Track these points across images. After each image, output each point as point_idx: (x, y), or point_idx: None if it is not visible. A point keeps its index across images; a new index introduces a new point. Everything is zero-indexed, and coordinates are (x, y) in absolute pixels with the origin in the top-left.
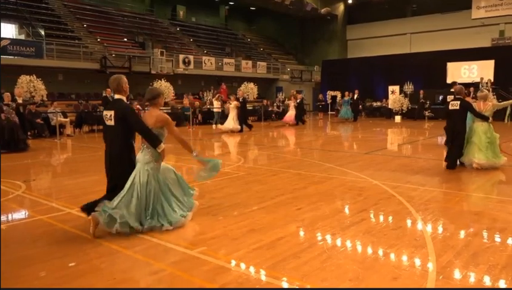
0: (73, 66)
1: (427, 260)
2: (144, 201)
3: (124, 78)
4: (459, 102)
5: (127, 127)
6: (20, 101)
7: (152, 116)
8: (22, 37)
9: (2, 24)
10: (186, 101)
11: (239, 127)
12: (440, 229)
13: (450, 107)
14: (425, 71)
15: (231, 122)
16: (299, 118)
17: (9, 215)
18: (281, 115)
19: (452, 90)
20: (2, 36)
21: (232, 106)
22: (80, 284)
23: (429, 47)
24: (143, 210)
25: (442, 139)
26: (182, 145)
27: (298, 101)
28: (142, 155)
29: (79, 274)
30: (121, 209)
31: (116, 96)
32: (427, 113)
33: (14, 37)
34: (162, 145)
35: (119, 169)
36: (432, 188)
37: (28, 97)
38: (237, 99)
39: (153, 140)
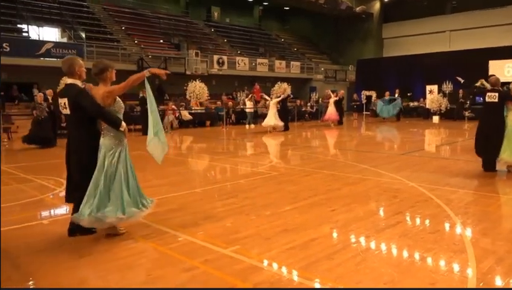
0: None
1: (467, 265)
2: (118, 188)
3: (78, 60)
4: (497, 93)
5: (83, 114)
6: (51, 100)
7: (99, 93)
8: (65, 40)
9: (46, 28)
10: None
11: (281, 123)
12: (480, 234)
13: (487, 99)
14: (466, 70)
15: (272, 118)
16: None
17: (52, 211)
18: (314, 115)
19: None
20: (44, 40)
21: (273, 102)
22: (117, 280)
23: (470, 45)
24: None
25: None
26: (130, 84)
27: (340, 97)
28: (104, 140)
29: (116, 269)
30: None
31: (69, 80)
32: (467, 113)
33: (57, 40)
34: (123, 124)
35: (78, 161)
36: (472, 191)
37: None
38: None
39: (113, 121)
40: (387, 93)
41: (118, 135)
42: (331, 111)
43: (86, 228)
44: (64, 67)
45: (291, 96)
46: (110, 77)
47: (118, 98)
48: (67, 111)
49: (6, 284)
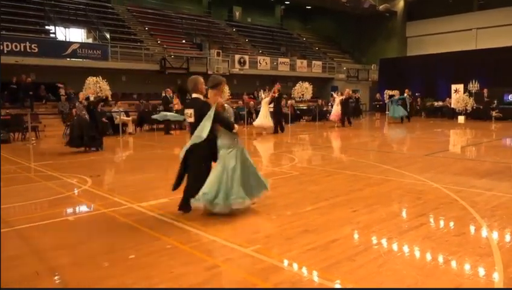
0: (135, 67)
1: (493, 269)
2: (230, 181)
3: (201, 79)
4: None
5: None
6: (91, 98)
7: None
8: (90, 40)
9: (72, 29)
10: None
11: (269, 124)
12: (508, 238)
13: None
14: (493, 69)
15: (261, 118)
16: (347, 118)
17: (78, 208)
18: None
19: None
20: (70, 40)
21: (264, 102)
22: (139, 276)
23: (497, 43)
24: (231, 189)
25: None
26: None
27: (344, 97)
28: (221, 140)
29: (139, 267)
30: (220, 193)
31: (194, 95)
32: (494, 113)
33: (83, 41)
34: (236, 127)
35: (198, 157)
36: (500, 193)
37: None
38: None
39: (228, 125)
40: (406, 90)
41: (233, 135)
42: (336, 111)
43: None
44: (190, 85)
45: (285, 95)
46: (222, 89)
47: (227, 105)
48: (191, 119)
49: (33, 279)
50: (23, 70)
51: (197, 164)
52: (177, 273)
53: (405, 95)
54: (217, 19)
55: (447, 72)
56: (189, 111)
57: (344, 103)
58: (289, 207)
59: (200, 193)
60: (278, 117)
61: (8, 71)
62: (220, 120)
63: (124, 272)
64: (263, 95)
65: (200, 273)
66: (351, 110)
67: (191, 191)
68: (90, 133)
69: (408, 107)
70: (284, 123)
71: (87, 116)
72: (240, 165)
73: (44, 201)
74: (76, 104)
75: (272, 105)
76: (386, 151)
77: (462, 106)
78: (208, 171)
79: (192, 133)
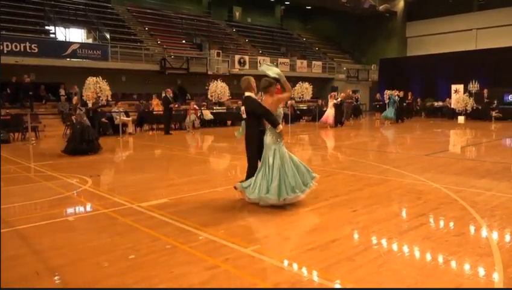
0: (135, 67)
1: (493, 269)
2: (277, 176)
3: (252, 79)
4: None
5: (255, 118)
6: (90, 105)
7: (268, 102)
8: (90, 41)
9: (72, 29)
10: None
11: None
12: (508, 238)
13: None
14: (493, 69)
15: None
16: (339, 120)
17: (77, 208)
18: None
19: None
20: (70, 41)
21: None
22: (139, 276)
23: (497, 43)
24: (282, 184)
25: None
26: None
27: (338, 100)
28: (266, 138)
29: (139, 266)
30: (259, 187)
31: (246, 93)
32: (494, 113)
33: (83, 41)
34: (280, 126)
35: (250, 150)
36: (500, 194)
37: (95, 98)
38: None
39: (273, 122)
40: (394, 91)
41: (277, 134)
42: (328, 113)
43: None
44: (244, 84)
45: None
46: (273, 91)
47: (279, 109)
48: (244, 115)
49: (33, 279)
50: (23, 70)
51: (251, 157)
52: (177, 273)
53: (394, 95)
54: (216, 19)
55: (447, 72)
56: (242, 108)
57: (338, 106)
58: (289, 207)
59: (245, 184)
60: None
61: (8, 71)
62: (266, 115)
63: (124, 272)
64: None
65: (200, 273)
66: (344, 112)
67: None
68: (89, 138)
69: (394, 107)
70: None
71: (87, 122)
72: (280, 165)
73: (44, 201)
74: (77, 111)
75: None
76: (386, 151)
77: (462, 106)
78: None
79: (246, 127)
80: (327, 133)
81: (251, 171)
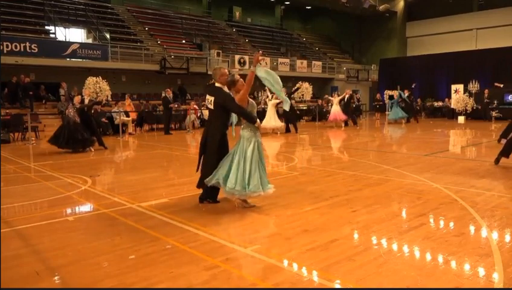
0: (135, 67)
1: (493, 269)
2: (248, 169)
3: (226, 71)
4: None
5: (223, 111)
6: (86, 101)
7: (236, 99)
8: (90, 41)
9: (72, 29)
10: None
11: (280, 124)
12: (508, 238)
13: None
14: (493, 69)
15: (271, 120)
16: (352, 118)
17: (77, 208)
18: None
19: None
20: (70, 41)
21: (272, 104)
22: (139, 277)
23: (497, 43)
24: (246, 177)
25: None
26: (248, 85)
27: (346, 96)
28: (243, 132)
29: (139, 267)
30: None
31: (217, 84)
32: (494, 113)
33: (83, 41)
34: (258, 121)
35: (212, 143)
36: (500, 194)
37: (94, 97)
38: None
39: (250, 118)
40: (394, 91)
41: (254, 128)
42: (335, 111)
43: (214, 197)
44: (217, 75)
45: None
46: (239, 88)
47: (250, 100)
48: (211, 106)
49: (33, 279)
50: (23, 70)
51: (212, 152)
52: (177, 273)
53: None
54: (216, 19)
55: (447, 72)
56: (210, 98)
57: (346, 103)
58: (289, 207)
59: (216, 174)
60: (293, 117)
61: (8, 71)
62: (242, 113)
63: (124, 272)
64: (267, 100)
65: (200, 273)
66: (352, 110)
67: (206, 173)
68: (77, 136)
69: (398, 107)
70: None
71: (77, 119)
72: (258, 158)
73: (44, 201)
74: (69, 107)
75: (280, 106)
76: (386, 151)
77: (462, 106)
78: (220, 159)
79: (209, 118)
80: (327, 133)
81: (210, 169)
